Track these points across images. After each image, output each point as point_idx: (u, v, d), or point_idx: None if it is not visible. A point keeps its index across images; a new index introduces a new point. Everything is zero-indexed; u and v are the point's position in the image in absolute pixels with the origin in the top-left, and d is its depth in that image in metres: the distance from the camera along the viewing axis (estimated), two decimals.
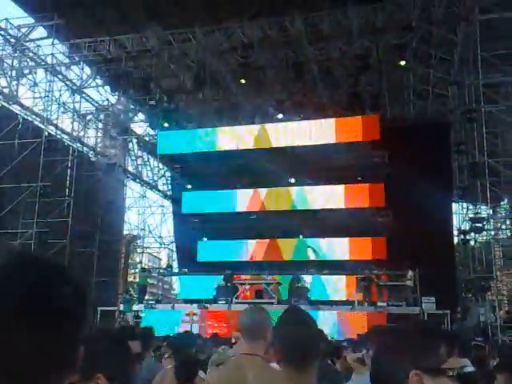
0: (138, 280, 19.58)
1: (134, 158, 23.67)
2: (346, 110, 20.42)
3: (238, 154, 19.90)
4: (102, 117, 22.99)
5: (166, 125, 21.25)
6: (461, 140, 19.52)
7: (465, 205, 20.61)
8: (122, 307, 16.83)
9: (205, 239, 21.00)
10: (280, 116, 21.00)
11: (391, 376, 1.23)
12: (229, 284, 16.09)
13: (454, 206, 20.85)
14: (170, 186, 24.28)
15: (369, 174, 19.33)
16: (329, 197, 19.45)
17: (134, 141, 23.63)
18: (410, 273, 15.86)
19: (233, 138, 20.29)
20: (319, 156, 19.31)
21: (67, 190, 19.12)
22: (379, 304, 15.43)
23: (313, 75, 19.11)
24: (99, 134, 22.81)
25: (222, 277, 16.41)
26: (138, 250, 23.47)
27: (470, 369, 1.29)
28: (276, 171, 19.23)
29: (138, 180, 23.49)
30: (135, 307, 16.64)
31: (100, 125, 23.00)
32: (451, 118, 19.96)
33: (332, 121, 19.72)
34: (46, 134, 19.45)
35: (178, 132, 21.28)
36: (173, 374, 4.13)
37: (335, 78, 19.47)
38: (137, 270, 21.58)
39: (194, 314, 15.22)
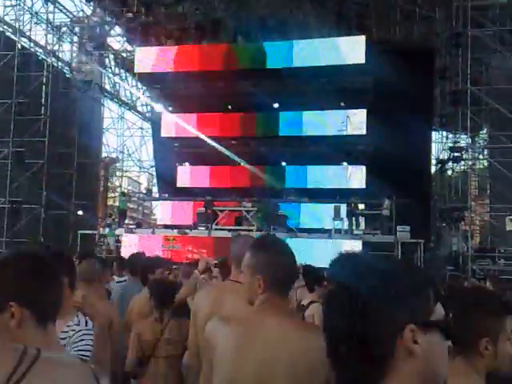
0: (117, 204, 19.61)
1: (111, 75, 22.87)
2: (331, 30, 19.79)
3: (220, 75, 19.34)
4: (77, 30, 21.93)
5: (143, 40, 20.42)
6: (445, 66, 19.25)
7: (444, 133, 20.75)
8: (106, 231, 16.94)
9: (186, 164, 20.84)
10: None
11: (378, 329, 0.96)
12: (209, 210, 16.24)
13: (434, 135, 20.91)
14: (149, 108, 23.67)
15: (352, 99, 19.08)
16: (311, 123, 19.26)
17: (111, 57, 22.72)
18: (387, 202, 16.13)
19: (215, 57, 19.57)
20: (303, 79, 18.91)
21: (43, 108, 18.60)
22: (355, 232, 15.81)
23: None
24: (74, 49, 21.85)
25: (202, 203, 16.54)
26: (118, 174, 23.27)
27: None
28: (260, 94, 18.79)
29: (115, 100, 22.84)
30: (116, 232, 16.79)
31: (75, 38, 21.97)
32: (437, 43, 19.52)
33: (317, 41, 19.11)
34: (19, 46, 18.62)
35: (158, 48, 20.41)
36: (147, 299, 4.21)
37: None
38: (116, 194, 21.52)
39: (174, 239, 15.44)
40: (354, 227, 16.07)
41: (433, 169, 19.74)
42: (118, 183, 23.24)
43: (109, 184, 22.39)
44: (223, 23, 20.77)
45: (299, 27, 20.12)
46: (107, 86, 22.67)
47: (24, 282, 1.43)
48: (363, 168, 18.74)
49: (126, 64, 22.63)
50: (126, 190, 23.01)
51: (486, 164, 19.83)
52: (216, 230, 16.10)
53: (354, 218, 16.21)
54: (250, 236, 2.74)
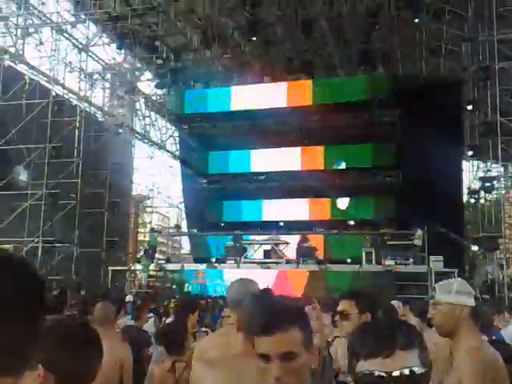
0: (148, 239, 19.78)
1: (141, 118, 23.55)
2: (357, 68, 20.11)
3: (251, 114, 19.77)
4: (108, 76, 22.78)
5: (173, 84, 21.11)
6: (473, 98, 19.21)
7: (475, 163, 20.49)
8: (140, 267, 17.01)
9: (214, 200, 21.06)
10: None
11: None
12: (237, 244, 16.22)
13: (465, 165, 20.70)
14: (178, 147, 24.17)
15: (380, 133, 19.17)
16: (342, 156, 19.41)
17: (142, 100, 23.45)
18: (419, 232, 15.87)
19: (244, 97, 20.08)
20: (331, 116, 19.19)
21: (75, 150, 19.12)
22: (387, 263, 15.51)
23: (323, 32, 18.71)
24: (106, 94, 22.65)
25: (231, 237, 16.54)
26: (148, 210, 23.59)
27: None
28: (287, 132, 19.12)
29: (145, 140, 23.43)
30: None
31: (107, 84, 22.80)
32: (464, 76, 19.58)
33: (338, 79, 19.49)
34: (54, 94, 19.35)
35: (188, 91, 21.08)
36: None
37: (346, 35, 19.07)
38: (147, 230, 21.75)
39: (204, 274, 15.40)
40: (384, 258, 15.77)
41: (465, 198, 19.45)
42: (148, 219, 23.54)
43: (139, 220, 22.67)
44: (250, 65, 21.31)
45: (325, 66, 20.54)
46: (138, 128, 23.30)
47: (56, 349, 1.46)
48: (392, 198, 18.59)
49: (156, 106, 23.30)
50: (155, 226, 23.24)
51: None
52: (245, 263, 16.02)
53: (384, 248, 15.95)
54: (248, 280, 2.74)
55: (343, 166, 19.40)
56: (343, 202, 19.63)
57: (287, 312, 1.45)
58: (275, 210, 19.56)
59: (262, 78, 21.32)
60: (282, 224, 18.59)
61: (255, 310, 1.52)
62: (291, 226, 18.11)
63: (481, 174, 18.18)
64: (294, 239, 16.78)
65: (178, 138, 24.09)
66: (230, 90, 20.60)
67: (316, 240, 16.90)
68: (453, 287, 2.47)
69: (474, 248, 17.08)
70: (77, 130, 19.40)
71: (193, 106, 20.48)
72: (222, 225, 19.56)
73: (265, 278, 14.22)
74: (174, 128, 24.16)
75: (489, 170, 17.92)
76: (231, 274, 14.52)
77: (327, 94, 19.18)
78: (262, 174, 20.12)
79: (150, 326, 6.59)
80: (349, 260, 15.96)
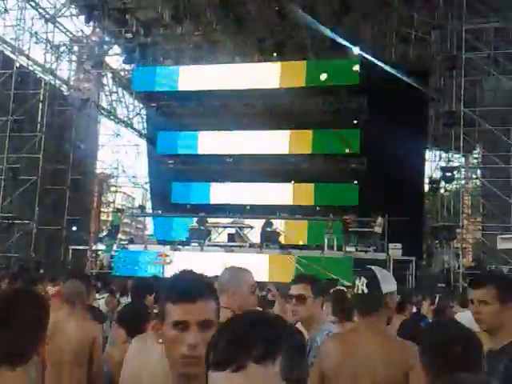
0: (111, 219, 19.61)
1: (108, 93, 23.08)
2: (327, 51, 20.07)
3: (218, 95, 19.57)
4: (75, 49, 22.21)
5: (142, 60, 20.71)
6: (439, 87, 19.46)
7: (437, 153, 20.85)
8: (104, 247, 16.87)
9: (180, 181, 20.88)
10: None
11: None
12: (202, 227, 16.25)
13: (427, 154, 21.03)
14: (145, 125, 23.82)
15: (348, 118, 19.28)
16: (304, 142, 19.41)
17: (109, 75, 22.97)
18: (379, 219, 16.18)
19: (213, 77, 19.80)
20: (300, 100, 19.19)
21: (38, 124, 18.72)
22: (347, 249, 15.79)
23: (295, 14, 18.57)
24: (73, 67, 22.11)
25: (196, 219, 16.55)
26: (112, 189, 23.30)
27: None
28: (254, 114, 18.99)
29: (112, 117, 23.01)
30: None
31: (74, 57, 22.25)
32: (431, 64, 19.78)
33: (312, 62, 19.38)
34: (17, 65, 18.83)
35: (156, 68, 20.67)
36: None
37: (318, 18, 18.97)
38: (110, 210, 21.53)
39: (167, 256, 15.38)
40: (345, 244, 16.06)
41: (426, 187, 19.81)
42: (111, 199, 23.24)
43: (103, 199, 22.39)
44: (221, 44, 21.04)
45: (293, 49, 20.44)
46: (104, 104, 22.86)
47: None
48: (356, 185, 18.80)
49: (124, 83, 22.86)
50: (119, 206, 23.00)
51: (478, 183, 19.90)
52: (209, 246, 16.08)
53: (346, 235, 16.23)
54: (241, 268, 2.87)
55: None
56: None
57: (206, 283, 1.51)
58: (242, 193, 19.56)
59: (233, 57, 21.12)
60: (248, 208, 18.66)
61: (177, 277, 1.54)
62: (257, 210, 18.22)
63: (442, 164, 18.52)
64: (259, 223, 16.89)
65: (145, 116, 23.72)
66: (202, 68, 20.24)
67: (284, 225, 17.10)
68: None
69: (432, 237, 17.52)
70: (40, 104, 18.99)
71: (162, 83, 20.10)
72: (188, 207, 19.51)
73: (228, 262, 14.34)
74: (141, 105, 23.77)
75: (450, 161, 18.26)
76: (196, 257, 14.62)
77: (296, 77, 19.08)
78: (230, 156, 20.03)
79: (102, 305, 6.82)
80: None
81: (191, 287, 1.45)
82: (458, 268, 15.44)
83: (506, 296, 2.43)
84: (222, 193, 20.04)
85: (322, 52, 20.38)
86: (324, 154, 19.22)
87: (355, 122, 19.57)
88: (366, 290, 2.44)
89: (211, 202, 19.70)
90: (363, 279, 2.47)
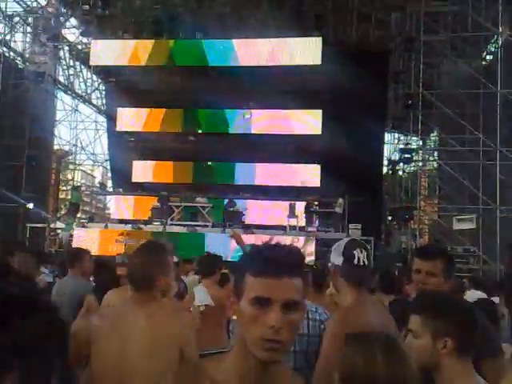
0: (70, 197, 19.21)
1: (65, 67, 22.36)
2: (289, 30, 20.00)
3: (178, 71, 19.26)
4: (30, 20, 21.37)
5: (100, 33, 20.15)
6: (398, 70, 19.77)
7: (396, 135, 21.31)
8: (64, 225, 16.52)
9: (141, 159, 20.54)
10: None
11: None
12: (164, 206, 16.14)
13: (387, 136, 21.43)
14: (104, 101, 23.23)
15: (308, 99, 19.31)
16: (265, 122, 19.40)
17: (66, 49, 22.22)
18: (340, 200, 16.46)
19: (173, 52, 19.45)
20: (258, 79, 19.05)
21: None
22: (309, 229, 16.03)
23: None
24: (28, 40, 21.29)
25: (157, 198, 16.42)
26: (70, 167, 22.75)
27: None
28: (213, 93, 18.75)
29: (69, 92, 22.34)
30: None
31: (29, 29, 21.41)
32: (391, 47, 20.02)
33: (274, 41, 19.26)
34: None
35: (114, 42, 20.11)
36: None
37: None
38: (69, 188, 21.05)
39: (128, 235, 15.25)
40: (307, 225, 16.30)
41: (384, 169, 20.24)
42: (70, 176, 22.72)
43: (61, 177, 21.85)
44: (181, 19, 20.64)
45: (258, 26, 20.26)
46: (61, 78, 22.16)
47: None
48: (318, 167, 18.99)
49: (81, 56, 22.20)
50: (78, 184, 22.52)
51: (435, 165, 20.47)
52: (171, 225, 16.02)
53: (308, 216, 16.45)
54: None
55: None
56: None
57: (297, 258, 1.29)
58: (204, 172, 19.48)
59: (194, 32, 20.76)
60: (212, 187, 18.63)
61: (263, 248, 1.31)
62: (221, 190, 18.21)
63: (401, 146, 18.95)
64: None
65: (104, 92, 23.12)
66: (161, 43, 19.80)
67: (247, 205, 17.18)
68: (333, 246, 2.55)
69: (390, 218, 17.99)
70: None
71: (121, 57, 19.59)
72: (150, 185, 19.28)
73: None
74: (100, 80, 23.15)
75: (408, 143, 18.71)
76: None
77: (255, 56, 18.98)
78: (193, 134, 19.83)
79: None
80: None
81: (278, 260, 1.24)
82: (415, 248, 15.93)
83: (450, 271, 2.65)
84: (183, 171, 19.89)
85: (284, 31, 20.33)
86: (286, 135, 19.25)
87: (317, 102, 19.64)
88: (367, 263, 2.42)
89: (173, 181, 19.52)
90: (364, 251, 2.44)
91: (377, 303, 2.57)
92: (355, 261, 2.39)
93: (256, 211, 17.58)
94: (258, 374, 1.25)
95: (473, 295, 5.97)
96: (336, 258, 2.46)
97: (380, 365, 1.47)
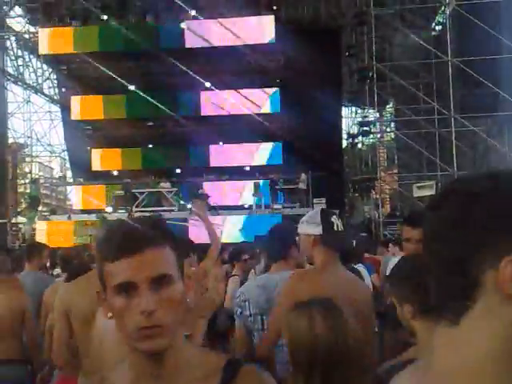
0: (28, 191, 18.77)
1: (13, 58, 21.63)
2: (240, 9, 19.90)
3: (130, 55, 18.91)
4: None
5: (46, 21, 19.57)
6: (351, 44, 20.01)
7: (354, 109, 21.61)
8: (19, 219, 16.17)
9: (99, 147, 20.17)
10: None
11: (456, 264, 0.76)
12: (127, 193, 15.98)
13: (344, 110, 21.70)
14: (56, 90, 22.62)
15: (264, 78, 19.33)
16: (224, 101, 19.33)
17: (13, 39, 21.49)
18: (303, 176, 16.65)
19: (124, 36, 19.04)
20: (214, 59, 18.93)
21: None
22: (275, 207, 16.19)
23: None
24: None
25: (120, 186, 16.24)
26: (27, 160, 22.16)
27: None
28: (169, 74, 18.51)
29: (19, 83, 21.65)
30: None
31: None
32: (343, 22, 20.21)
33: (227, 20, 19.13)
34: None
35: (62, 29, 19.55)
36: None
37: None
38: (27, 181, 20.54)
39: (93, 224, 15.04)
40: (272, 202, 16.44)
41: (344, 143, 20.53)
42: (27, 169, 22.14)
43: (18, 171, 21.27)
44: (130, 3, 20.24)
45: (210, 7, 20.06)
46: (10, 70, 21.43)
47: None
48: (279, 145, 19.11)
49: (30, 46, 21.52)
50: (37, 176, 21.98)
51: (392, 136, 20.90)
52: (137, 212, 15.87)
53: (273, 193, 16.59)
54: None
55: None
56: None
57: (156, 226, 1.09)
58: (168, 156, 19.30)
59: (144, 16, 20.39)
60: (178, 171, 18.52)
61: (114, 227, 1.11)
62: (185, 173, 18.11)
63: (359, 120, 19.24)
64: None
65: (56, 81, 22.51)
66: (110, 29, 19.36)
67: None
68: (303, 219, 2.55)
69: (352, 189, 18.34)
70: None
71: (70, 45, 19.08)
72: (112, 173, 19.03)
73: None
74: (50, 70, 22.50)
75: (365, 116, 19.01)
76: None
77: (215, 36, 18.83)
78: (149, 119, 19.58)
79: None
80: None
81: (132, 235, 1.05)
82: (378, 217, 16.34)
83: None
84: (144, 157, 19.68)
85: (236, 10, 20.21)
86: (243, 115, 19.25)
87: (274, 81, 19.70)
88: (341, 228, 2.44)
89: (134, 168, 19.28)
90: (338, 218, 2.48)
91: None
92: (335, 227, 2.41)
93: (220, 193, 17.60)
94: (152, 368, 1.06)
95: None
96: (313, 229, 2.44)
97: (319, 328, 1.61)
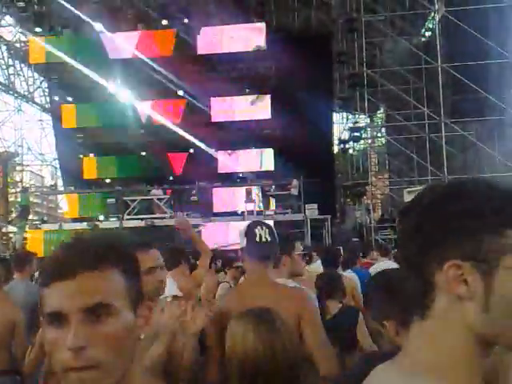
0: (19, 200, 18.69)
1: (4, 67, 21.61)
2: (232, 17, 20.01)
3: (122, 63, 18.95)
4: None
5: (38, 30, 19.62)
6: (342, 50, 20.11)
7: (345, 115, 21.69)
8: (15, 229, 16.05)
9: (91, 155, 20.15)
10: (164, 22, 20.02)
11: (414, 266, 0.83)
12: (119, 200, 15.94)
13: (335, 116, 21.78)
14: (48, 99, 22.61)
15: (256, 85, 19.40)
16: (219, 110, 19.38)
17: (4, 48, 21.47)
18: (295, 182, 16.68)
19: (120, 44, 19.14)
20: (207, 67, 19.03)
21: None
22: (267, 213, 16.19)
23: None
24: None
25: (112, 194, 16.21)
26: (18, 168, 22.09)
27: None
28: (160, 82, 18.57)
29: (11, 92, 21.62)
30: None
31: None
32: (333, 29, 20.34)
33: (218, 29, 19.24)
34: None
35: (53, 38, 19.61)
36: None
37: None
38: (18, 190, 20.47)
39: (85, 232, 14.97)
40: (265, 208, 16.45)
41: (335, 148, 20.59)
42: (18, 178, 22.06)
43: (9, 180, 21.19)
44: (122, 11, 20.30)
45: (201, 14, 20.16)
46: (0, 79, 21.40)
47: None
48: (271, 151, 19.15)
49: (21, 55, 21.53)
50: (28, 185, 21.90)
51: (384, 141, 20.98)
52: (128, 219, 15.84)
53: (264, 200, 16.60)
54: None
55: None
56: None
57: (102, 247, 0.93)
58: (158, 163, 19.28)
59: (135, 25, 20.47)
60: (171, 178, 18.53)
61: (57, 248, 0.97)
62: (176, 180, 18.10)
63: (350, 125, 19.32)
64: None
65: (47, 90, 22.50)
66: (102, 37, 19.44)
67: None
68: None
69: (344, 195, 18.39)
70: None
71: (62, 54, 19.11)
72: (103, 181, 19.00)
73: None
74: (42, 78, 22.51)
75: (356, 122, 19.10)
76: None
77: (207, 44, 18.92)
78: (140, 126, 19.58)
79: None
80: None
81: (66, 256, 0.91)
82: (370, 222, 16.37)
83: None
84: (135, 165, 19.63)
85: (225, 17, 20.31)
86: (235, 121, 19.28)
87: (265, 88, 19.78)
88: (269, 239, 2.51)
89: (126, 175, 19.24)
90: (265, 228, 2.55)
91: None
92: (257, 238, 2.49)
93: (213, 199, 17.59)
94: None
95: None
96: (242, 241, 2.57)
97: (251, 337, 1.67)
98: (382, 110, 22.04)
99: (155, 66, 18.57)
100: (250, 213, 15.97)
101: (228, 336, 1.77)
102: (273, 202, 16.89)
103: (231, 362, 1.70)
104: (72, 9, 19.00)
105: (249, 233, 2.52)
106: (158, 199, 16.40)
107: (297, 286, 2.87)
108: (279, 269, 2.96)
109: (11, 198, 21.20)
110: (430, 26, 19.71)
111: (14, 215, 17.77)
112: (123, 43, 19.23)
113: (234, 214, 16.56)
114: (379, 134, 20.92)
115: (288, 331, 1.73)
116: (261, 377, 1.61)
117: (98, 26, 19.50)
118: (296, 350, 1.70)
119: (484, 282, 0.77)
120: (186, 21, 19.98)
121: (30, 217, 17.31)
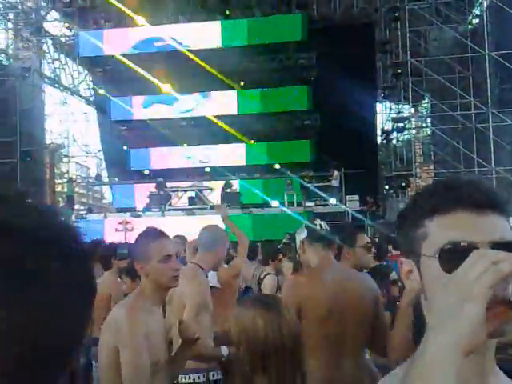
0: (65, 190, 19.18)
1: (50, 61, 22.14)
2: (272, 8, 19.92)
3: (170, 56, 19.15)
4: (11, 16, 21.09)
5: (82, 24, 20.03)
6: (385, 40, 19.72)
7: (388, 105, 21.28)
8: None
9: (136, 147, 20.45)
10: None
11: None
12: (161, 192, 16.14)
13: (378, 106, 21.40)
14: (92, 92, 23.07)
15: (297, 75, 19.28)
16: (256, 101, 19.35)
17: (50, 42, 21.99)
18: (336, 173, 16.51)
19: (161, 37, 19.34)
20: (247, 58, 19.02)
21: None
22: (307, 204, 16.06)
23: None
24: (10, 36, 21.05)
25: (155, 185, 16.41)
26: (64, 160, 22.68)
27: None
28: (206, 75, 18.68)
29: (56, 85, 22.14)
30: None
31: (10, 25, 21.15)
32: (376, 17, 19.96)
33: (260, 20, 19.21)
34: None
35: (98, 32, 20.00)
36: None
37: None
38: (64, 181, 21.00)
39: (128, 223, 15.23)
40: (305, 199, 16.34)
41: (379, 139, 20.24)
42: (64, 169, 22.64)
43: (56, 171, 21.77)
44: (164, 4, 20.45)
45: (241, 6, 20.15)
46: (47, 72, 21.94)
47: None
48: (313, 141, 19.00)
49: (66, 49, 22.01)
50: (74, 176, 22.46)
51: (428, 132, 20.51)
52: (170, 210, 16.02)
53: (304, 191, 16.50)
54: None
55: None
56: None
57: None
58: (200, 155, 19.44)
59: (177, 17, 20.62)
60: (208, 170, 18.64)
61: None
62: (215, 172, 18.20)
63: (393, 115, 18.93)
64: (218, 185, 16.89)
65: (91, 83, 22.97)
66: (146, 30, 19.67)
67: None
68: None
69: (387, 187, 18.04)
70: None
71: (106, 47, 19.50)
72: (147, 172, 19.30)
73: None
74: (86, 72, 22.98)
75: (400, 112, 18.70)
76: (157, 222, 14.50)
77: (240, 35, 18.89)
78: (184, 119, 19.79)
79: None
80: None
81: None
82: None
83: None
84: (178, 157, 19.87)
85: (267, 9, 20.22)
86: (276, 113, 19.21)
87: (304, 78, 19.63)
88: (328, 228, 2.81)
89: (169, 167, 19.47)
90: (322, 221, 2.87)
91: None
92: (317, 227, 2.79)
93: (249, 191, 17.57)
94: None
95: None
96: (301, 236, 2.85)
97: (259, 322, 1.74)
98: (426, 100, 21.50)
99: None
100: (290, 204, 15.88)
101: (238, 321, 1.82)
102: (312, 193, 16.73)
103: (241, 344, 1.77)
104: (115, 2, 19.32)
105: (308, 227, 2.78)
106: (199, 191, 16.54)
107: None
108: (342, 262, 2.95)
109: (58, 189, 21.78)
110: (478, 12, 19.08)
111: (61, 205, 18.20)
112: (166, 36, 19.41)
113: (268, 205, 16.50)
114: (424, 125, 20.43)
115: (290, 314, 1.85)
116: (272, 350, 1.71)
117: (140, 20, 19.79)
118: (298, 326, 1.84)
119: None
120: (227, 12, 20.01)
121: (76, 207, 17.71)
